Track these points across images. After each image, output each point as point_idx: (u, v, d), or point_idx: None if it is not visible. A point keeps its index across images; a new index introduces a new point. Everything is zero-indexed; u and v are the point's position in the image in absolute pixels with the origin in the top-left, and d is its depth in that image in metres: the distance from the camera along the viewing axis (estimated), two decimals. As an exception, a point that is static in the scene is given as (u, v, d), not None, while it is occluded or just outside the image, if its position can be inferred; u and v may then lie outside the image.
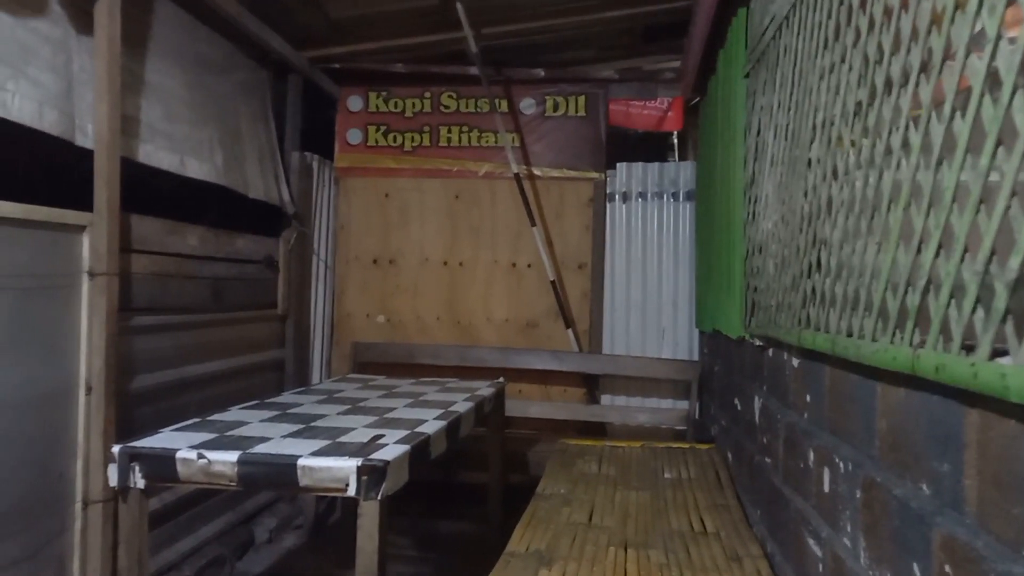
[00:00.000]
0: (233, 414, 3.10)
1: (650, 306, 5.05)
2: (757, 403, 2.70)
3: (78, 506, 2.92)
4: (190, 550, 3.61)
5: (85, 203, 2.91)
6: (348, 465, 2.39)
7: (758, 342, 2.62)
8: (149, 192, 3.22)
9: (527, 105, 5.18)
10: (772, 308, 2.38)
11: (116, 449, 2.49)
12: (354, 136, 5.28)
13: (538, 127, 5.17)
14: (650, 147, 5.56)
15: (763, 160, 2.56)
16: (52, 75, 2.74)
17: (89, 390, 2.92)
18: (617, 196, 5.10)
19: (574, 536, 2.75)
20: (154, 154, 3.27)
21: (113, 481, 2.50)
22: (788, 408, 2.22)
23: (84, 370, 2.92)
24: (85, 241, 2.91)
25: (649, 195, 5.06)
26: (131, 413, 3.17)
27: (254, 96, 4.32)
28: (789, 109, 2.19)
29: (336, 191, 5.30)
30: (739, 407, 3.11)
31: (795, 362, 2.16)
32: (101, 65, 2.88)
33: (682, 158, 5.41)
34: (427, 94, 5.24)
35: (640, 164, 5.08)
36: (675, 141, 5.54)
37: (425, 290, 5.26)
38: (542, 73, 5.08)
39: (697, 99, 4.55)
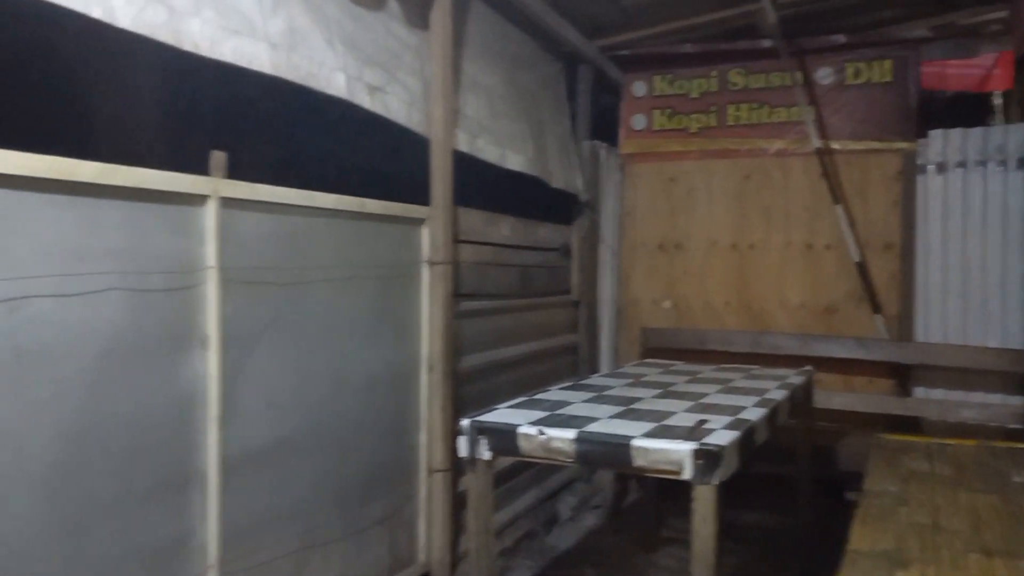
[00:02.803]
0: (555, 394, 3.23)
1: (972, 289, 4.51)
2: None
3: (423, 474, 3.21)
4: (507, 521, 3.83)
5: (420, 197, 3.18)
6: (683, 449, 2.39)
7: None
8: (471, 185, 3.44)
9: (823, 75, 4.86)
10: None
11: (465, 423, 2.69)
12: (639, 122, 5.28)
13: (836, 98, 4.83)
14: (961, 110, 4.96)
15: None
16: (414, 78, 3.03)
17: (431, 369, 3.19)
18: (931, 167, 4.61)
19: (921, 538, 2.54)
20: (484, 148, 3.51)
21: (463, 452, 2.70)
22: None
23: (426, 351, 3.20)
24: (425, 233, 3.18)
25: (970, 164, 4.51)
26: (459, 391, 3.41)
27: (552, 88, 4.48)
28: None
29: (621, 177, 5.34)
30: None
31: None
32: (437, 66, 3.13)
33: (1007, 120, 4.77)
34: (714, 73, 5.11)
35: (959, 130, 4.54)
36: (999, 101, 4.90)
37: (713, 274, 5.14)
38: (843, 39, 4.73)
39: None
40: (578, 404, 3.00)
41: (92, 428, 1.87)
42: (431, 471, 3.21)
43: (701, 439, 2.44)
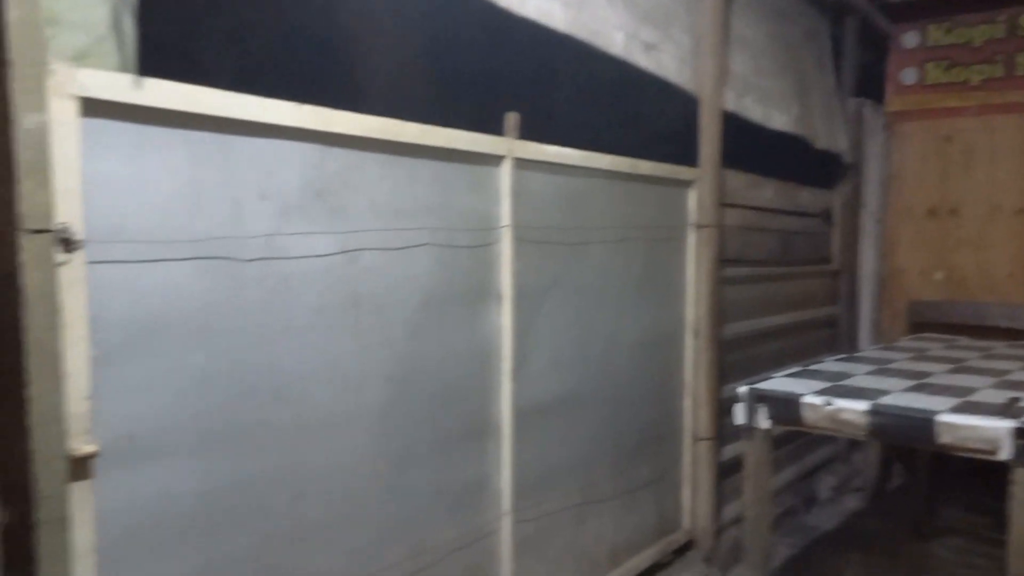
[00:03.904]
0: (831, 365, 3.06)
1: None
2: None
3: (687, 441, 3.16)
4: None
5: (687, 158, 3.09)
6: (1001, 426, 2.16)
7: None
8: (734, 145, 3.30)
9: None
10: None
11: (743, 390, 2.61)
12: (909, 76, 4.82)
13: None
14: None
15: None
16: (686, 35, 2.96)
17: (697, 334, 3.12)
18: None
19: None
20: (749, 107, 3.36)
21: (740, 419, 2.63)
22: None
23: (691, 316, 3.13)
24: (692, 195, 3.10)
25: None
26: (721, 358, 3.31)
27: (816, 43, 4.19)
28: None
29: (886, 137, 4.91)
30: None
31: None
32: (707, 22, 3.02)
33: None
34: (1001, 18, 4.53)
35: None
36: None
37: (994, 243, 4.60)
38: None
39: None
40: (861, 376, 2.82)
41: (411, 373, 2.00)
42: (696, 439, 3.16)
43: (1020, 417, 2.20)
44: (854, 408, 2.39)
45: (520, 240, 2.31)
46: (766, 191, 3.67)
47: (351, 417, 1.84)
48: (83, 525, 1.36)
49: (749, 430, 2.63)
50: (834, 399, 2.44)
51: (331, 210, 1.78)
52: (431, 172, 2.05)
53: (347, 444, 1.83)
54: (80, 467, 1.35)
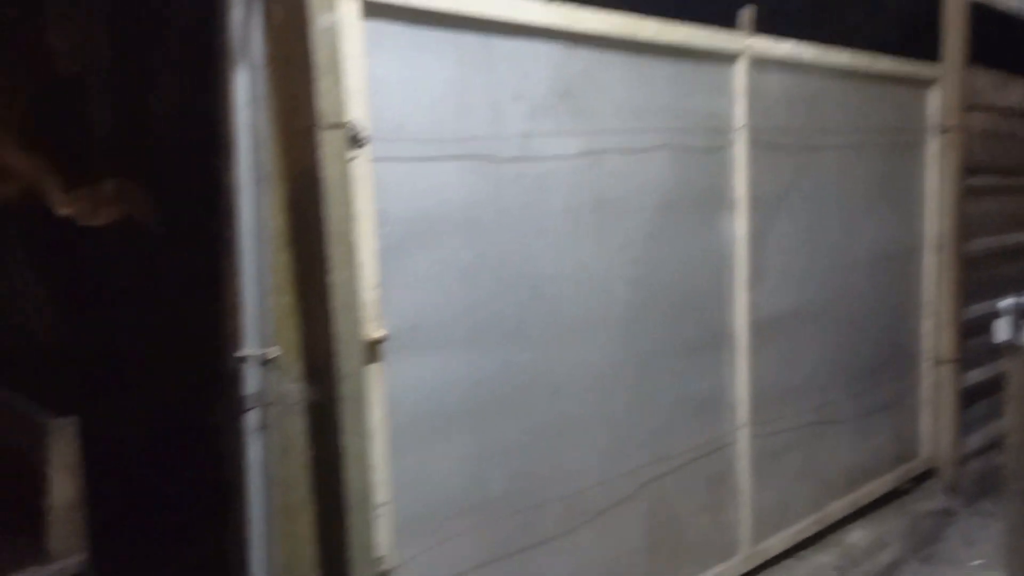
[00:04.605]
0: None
1: None
2: None
3: (927, 363, 2.95)
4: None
5: (922, 53, 2.82)
6: None
7: None
8: (982, 39, 2.96)
9: None
10: None
11: (1007, 303, 2.37)
12: None
13: None
14: None
15: None
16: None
17: (940, 249, 2.89)
18: None
19: None
20: (1004, -4, 3.03)
21: (1002, 336, 2.40)
22: None
23: (932, 229, 2.89)
24: (933, 95, 2.84)
25: None
26: (964, 277, 3.04)
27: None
28: None
29: None
30: None
31: None
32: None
33: None
34: None
35: None
36: None
37: None
38: None
39: None
40: None
41: (650, 278, 1.98)
42: (937, 361, 2.94)
43: None
44: None
45: (754, 144, 2.22)
46: (1015, 92, 3.29)
47: (599, 318, 1.85)
48: (376, 404, 1.46)
49: (1013, 348, 2.40)
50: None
51: (576, 111, 1.78)
52: (667, 72, 2.00)
53: (596, 344, 1.85)
54: (373, 350, 1.45)
